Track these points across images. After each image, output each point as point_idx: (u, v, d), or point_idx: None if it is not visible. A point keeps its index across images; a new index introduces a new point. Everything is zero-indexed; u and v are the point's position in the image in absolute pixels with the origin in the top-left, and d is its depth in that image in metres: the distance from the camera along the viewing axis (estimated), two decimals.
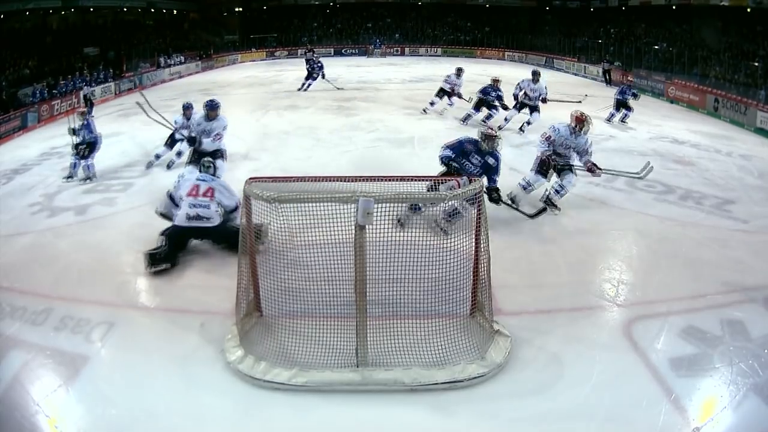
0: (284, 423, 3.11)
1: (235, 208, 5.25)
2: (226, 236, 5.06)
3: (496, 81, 10.79)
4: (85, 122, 7.99)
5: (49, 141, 10.99)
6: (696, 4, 23.71)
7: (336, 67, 24.80)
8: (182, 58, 25.13)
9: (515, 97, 10.46)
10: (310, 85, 16.07)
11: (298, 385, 3.28)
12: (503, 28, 31.63)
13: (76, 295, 4.44)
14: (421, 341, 3.48)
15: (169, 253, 4.90)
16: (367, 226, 3.30)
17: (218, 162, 6.76)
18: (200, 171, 5.54)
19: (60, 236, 5.81)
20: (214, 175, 5.53)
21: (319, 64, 16.19)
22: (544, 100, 10.31)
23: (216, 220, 5.10)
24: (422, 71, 22.75)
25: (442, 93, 11.93)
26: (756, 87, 14.73)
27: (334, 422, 3.11)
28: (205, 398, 3.27)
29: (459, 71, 11.93)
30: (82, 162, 7.79)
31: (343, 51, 32.07)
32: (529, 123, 10.23)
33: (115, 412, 3.17)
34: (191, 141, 6.80)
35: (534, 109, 10.27)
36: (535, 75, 10.36)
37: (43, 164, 9.02)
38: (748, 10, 21.14)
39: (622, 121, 11.67)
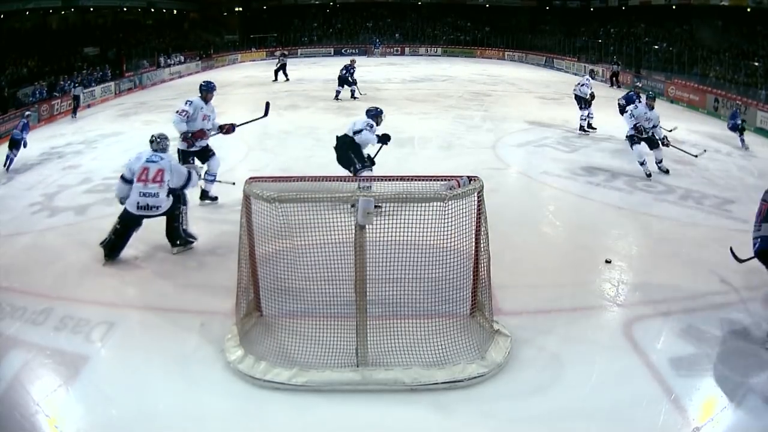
0: (284, 423, 3.11)
1: (186, 183, 5.28)
2: (171, 235, 5.16)
3: (651, 101, 8.14)
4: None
5: (49, 141, 10.99)
6: (696, 4, 23.73)
7: (336, 66, 24.79)
8: (182, 57, 25.15)
9: (639, 129, 7.80)
10: (353, 92, 14.69)
11: (298, 385, 3.28)
12: (503, 28, 31.66)
13: (76, 295, 4.43)
14: (421, 341, 3.48)
15: (114, 245, 5.05)
16: (367, 226, 3.30)
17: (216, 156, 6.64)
18: (152, 149, 5.25)
19: (60, 236, 5.81)
20: (165, 151, 5.28)
21: (352, 70, 14.96)
22: (665, 144, 7.97)
23: (164, 207, 5.07)
24: (422, 71, 22.78)
25: (583, 102, 10.31)
26: (756, 87, 14.74)
27: (334, 422, 3.10)
28: (205, 398, 3.27)
29: (593, 74, 10.65)
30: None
31: (343, 51, 32.07)
32: (660, 161, 7.85)
33: (115, 412, 3.17)
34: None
35: (652, 143, 7.83)
36: (651, 100, 8.15)
37: (43, 164, 9.03)
38: (748, 10, 21.15)
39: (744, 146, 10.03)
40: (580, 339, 3.81)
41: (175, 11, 32.06)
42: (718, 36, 20.72)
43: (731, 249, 4.53)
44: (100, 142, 10.61)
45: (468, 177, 3.69)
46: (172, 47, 25.96)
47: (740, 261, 4.41)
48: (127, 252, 5.41)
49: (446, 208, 3.45)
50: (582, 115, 10.37)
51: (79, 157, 9.35)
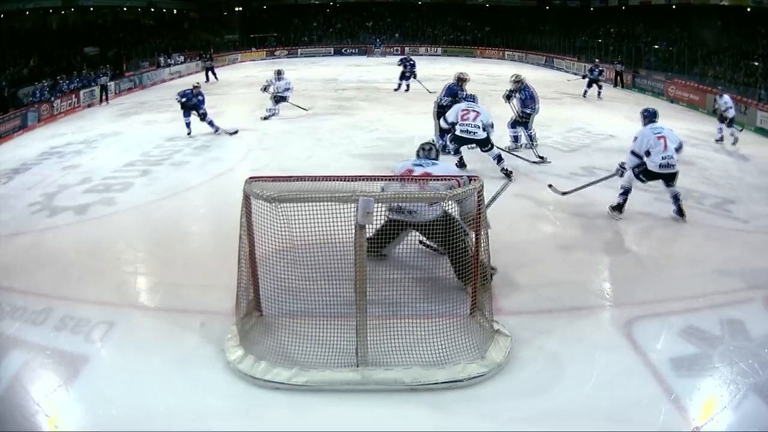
0: (284, 423, 3.11)
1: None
2: (448, 243, 4.00)
3: None
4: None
5: (49, 140, 11.00)
6: (696, 4, 23.73)
7: (336, 66, 24.82)
8: (182, 57, 25.14)
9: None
10: (408, 86, 15.66)
11: (298, 385, 3.28)
12: (503, 28, 31.65)
13: (76, 295, 4.43)
14: (421, 341, 3.48)
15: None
16: (367, 226, 3.30)
17: None
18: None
19: (60, 236, 5.81)
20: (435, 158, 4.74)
21: (411, 62, 15.71)
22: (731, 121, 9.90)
23: (427, 214, 4.17)
24: (422, 71, 22.67)
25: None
26: (756, 87, 14.74)
27: (334, 422, 3.10)
28: (205, 398, 3.27)
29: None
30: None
31: (343, 51, 32.08)
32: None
33: (115, 412, 3.17)
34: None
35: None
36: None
37: (43, 164, 9.04)
38: (748, 10, 21.16)
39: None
40: (580, 339, 3.81)
41: (175, 11, 32.06)
42: (718, 36, 20.71)
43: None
44: (100, 142, 10.61)
45: (468, 177, 3.69)
46: (172, 47, 25.95)
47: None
48: (127, 252, 5.43)
49: (446, 208, 3.46)
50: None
51: (79, 157, 9.35)
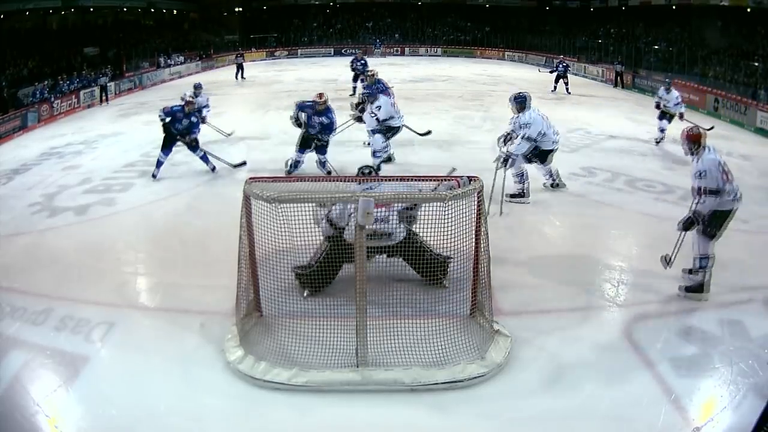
0: (284, 423, 3.11)
1: None
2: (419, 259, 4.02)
3: None
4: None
5: (49, 141, 10.99)
6: (696, 4, 23.72)
7: (336, 67, 24.80)
8: (182, 58, 25.16)
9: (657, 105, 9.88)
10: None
11: (298, 385, 3.28)
12: (503, 28, 31.65)
13: (76, 295, 4.44)
14: (421, 341, 3.48)
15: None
16: (367, 226, 3.30)
17: None
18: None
19: (60, 236, 5.82)
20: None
21: (362, 62, 15.04)
22: (681, 116, 9.63)
23: (401, 234, 4.13)
24: (422, 71, 22.75)
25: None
26: (756, 87, 14.73)
27: (334, 422, 3.11)
28: (205, 398, 3.27)
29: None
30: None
31: (343, 51, 32.06)
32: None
33: (115, 412, 3.17)
34: None
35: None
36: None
37: (43, 164, 9.03)
38: (748, 10, 21.15)
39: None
40: (580, 339, 3.81)
41: (175, 11, 32.07)
42: (718, 36, 20.71)
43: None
44: (100, 142, 10.61)
45: (468, 177, 3.69)
46: (172, 47, 25.95)
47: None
48: (127, 252, 5.43)
49: (446, 208, 3.46)
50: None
51: (79, 157, 9.35)
